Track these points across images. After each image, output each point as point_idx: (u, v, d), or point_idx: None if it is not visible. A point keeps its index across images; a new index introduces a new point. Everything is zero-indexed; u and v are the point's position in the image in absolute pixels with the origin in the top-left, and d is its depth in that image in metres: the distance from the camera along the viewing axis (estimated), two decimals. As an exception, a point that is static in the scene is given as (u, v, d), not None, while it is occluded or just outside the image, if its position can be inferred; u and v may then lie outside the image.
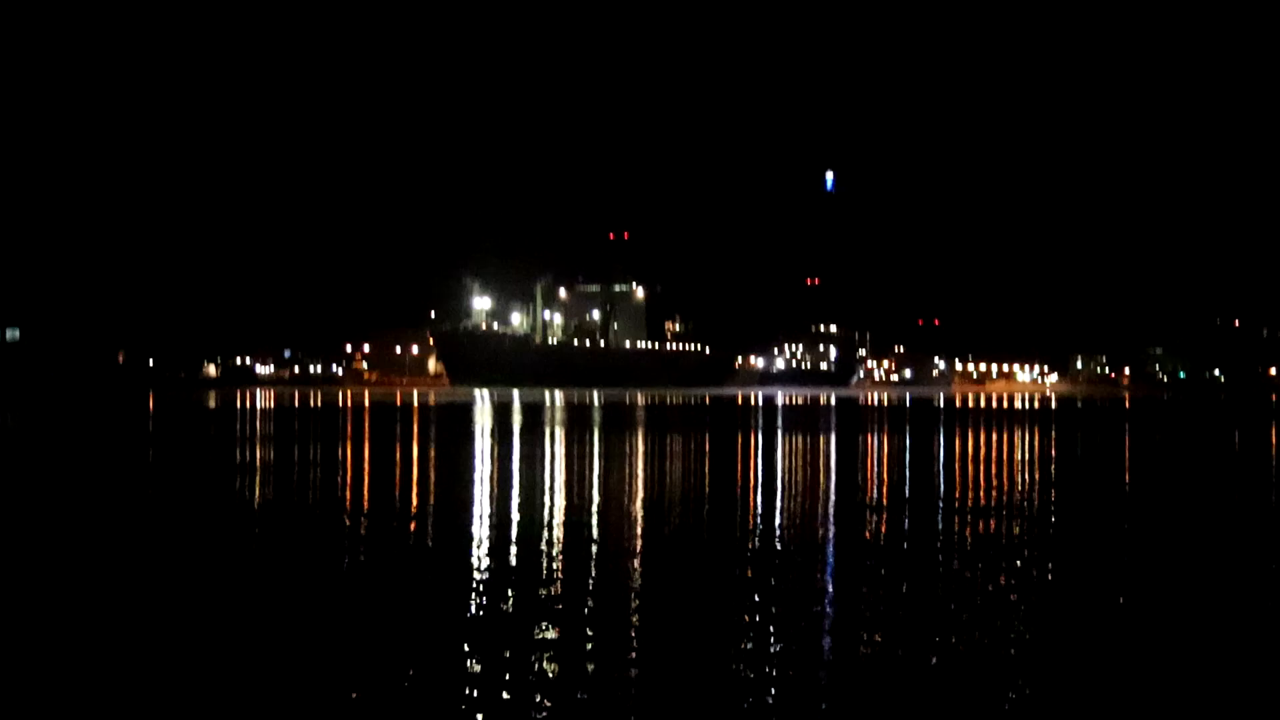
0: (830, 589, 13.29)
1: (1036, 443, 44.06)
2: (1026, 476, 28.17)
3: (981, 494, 23.42)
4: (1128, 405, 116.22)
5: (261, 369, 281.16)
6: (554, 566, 14.44)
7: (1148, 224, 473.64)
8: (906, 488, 24.85)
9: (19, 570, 14.71)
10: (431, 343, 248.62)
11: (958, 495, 23.55)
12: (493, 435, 44.04)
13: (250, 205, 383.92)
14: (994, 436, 47.04)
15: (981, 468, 30.67)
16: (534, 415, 68.89)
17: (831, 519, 19.33)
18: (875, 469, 30.48)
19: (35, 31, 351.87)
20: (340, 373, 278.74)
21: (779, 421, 61.79)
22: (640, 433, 46.74)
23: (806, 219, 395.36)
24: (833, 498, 22.85)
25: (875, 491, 24.09)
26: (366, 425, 54.04)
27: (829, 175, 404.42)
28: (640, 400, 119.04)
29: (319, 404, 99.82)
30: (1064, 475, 29.49)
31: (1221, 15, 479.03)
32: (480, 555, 15.39)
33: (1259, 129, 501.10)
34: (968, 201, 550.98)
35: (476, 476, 27.11)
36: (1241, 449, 40.86)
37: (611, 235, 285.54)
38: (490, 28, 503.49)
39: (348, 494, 23.37)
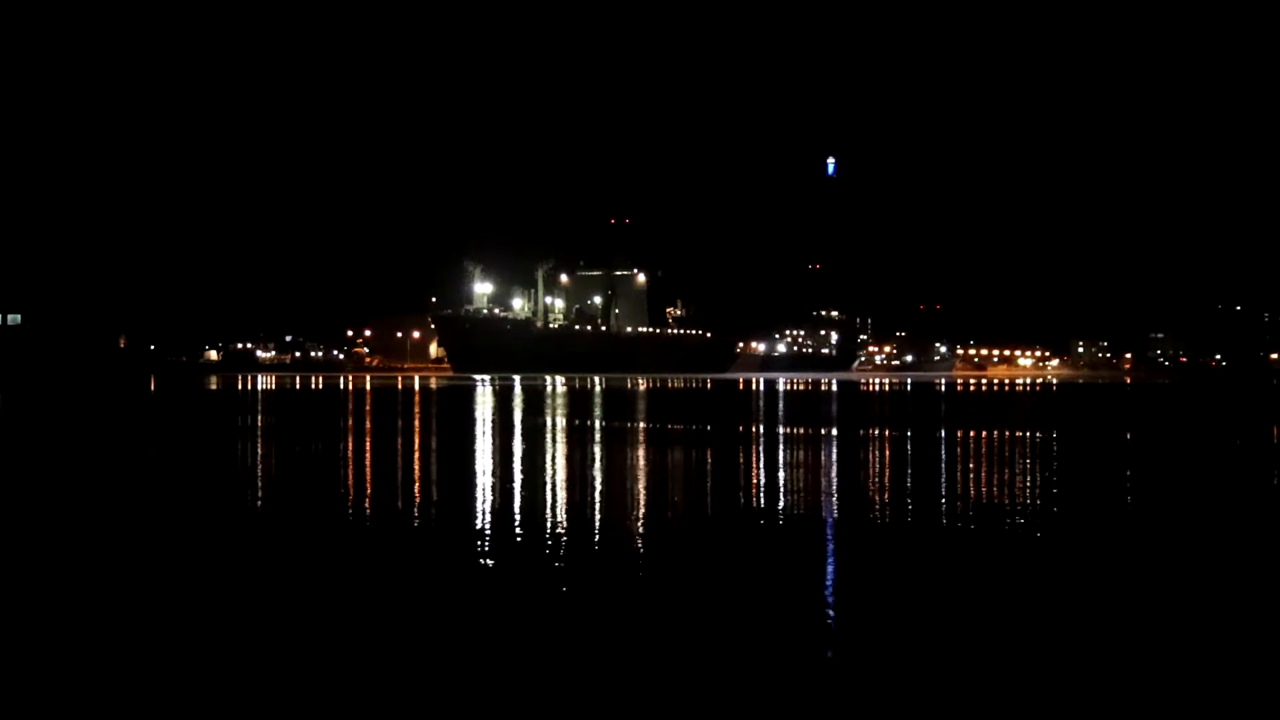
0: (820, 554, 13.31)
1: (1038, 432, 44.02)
2: (1028, 464, 28.06)
3: (982, 486, 23.33)
4: (1129, 389, 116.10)
5: (262, 354, 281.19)
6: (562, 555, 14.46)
7: (1149, 210, 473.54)
8: (906, 480, 24.76)
9: (14, 553, 14.69)
10: (433, 327, 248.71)
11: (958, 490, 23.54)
12: (493, 422, 43.97)
13: (251, 191, 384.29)
14: (995, 422, 46.96)
15: (984, 455, 30.59)
16: (535, 401, 68.82)
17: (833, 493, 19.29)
18: (877, 454, 30.44)
19: (40, 24, 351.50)
20: (341, 357, 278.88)
21: (780, 406, 61.73)
22: (642, 420, 46.74)
23: (808, 204, 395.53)
24: (834, 480, 22.80)
25: (875, 471, 24.03)
26: (367, 410, 53.95)
27: (830, 161, 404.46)
28: (641, 385, 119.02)
29: (319, 388, 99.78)
30: (1067, 465, 29.44)
31: (1222, 9, 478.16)
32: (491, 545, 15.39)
33: (1259, 116, 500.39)
34: (969, 187, 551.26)
35: (479, 466, 27.06)
36: (1244, 434, 40.77)
37: (613, 220, 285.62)
38: (491, 15, 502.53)
39: (348, 482, 23.32)
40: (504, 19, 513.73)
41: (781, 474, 24.35)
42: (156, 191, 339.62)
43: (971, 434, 37.57)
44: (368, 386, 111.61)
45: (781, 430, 38.99)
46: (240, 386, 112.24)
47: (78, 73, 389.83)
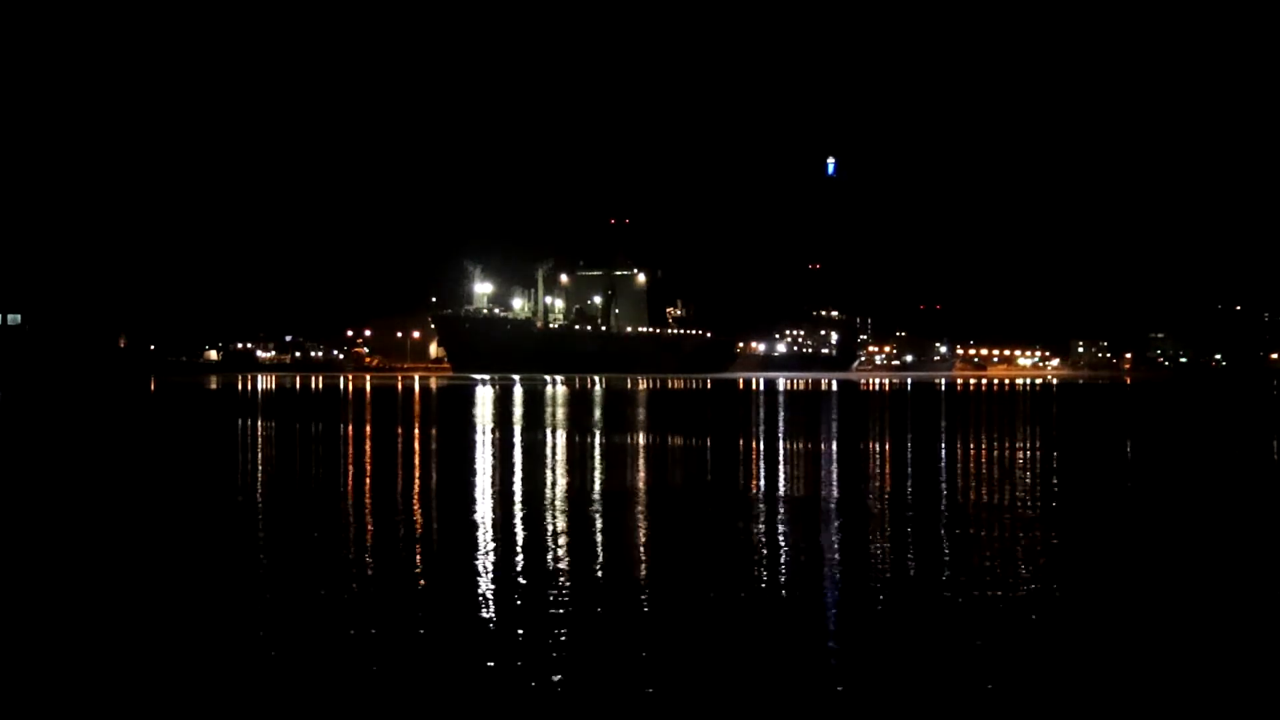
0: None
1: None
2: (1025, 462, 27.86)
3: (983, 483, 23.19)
4: (1129, 389, 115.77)
5: (262, 354, 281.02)
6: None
7: (1149, 210, 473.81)
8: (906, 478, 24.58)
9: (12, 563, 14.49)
10: (433, 327, 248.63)
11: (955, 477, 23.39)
12: (492, 434, 43.79)
13: (252, 191, 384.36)
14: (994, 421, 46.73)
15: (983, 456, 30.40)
16: (533, 406, 68.62)
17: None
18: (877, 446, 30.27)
19: (40, 26, 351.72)
20: (341, 357, 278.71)
21: (780, 413, 61.54)
22: (641, 432, 46.59)
23: (808, 204, 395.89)
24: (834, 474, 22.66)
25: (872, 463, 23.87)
26: (367, 413, 53.67)
27: (831, 161, 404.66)
28: (641, 386, 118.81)
29: (318, 389, 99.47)
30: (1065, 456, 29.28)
31: (1222, 11, 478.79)
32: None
33: (1259, 116, 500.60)
34: (970, 188, 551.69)
35: (475, 493, 26.84)
36: (1241, 433, 40.54)
37: (613, 220, 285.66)
38: (491, 15, 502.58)
39: (337, 504, 23.11)
40: (504, 19, 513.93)
41: (781, 508, 24.18)
42: (156, 191, 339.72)
43: (973, 447, 37.33)
44: (367, 388, 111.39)
45: (782, 445, 38.77)
46: (240, 387, 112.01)
47: (78, 72, 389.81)
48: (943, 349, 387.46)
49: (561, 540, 17.88)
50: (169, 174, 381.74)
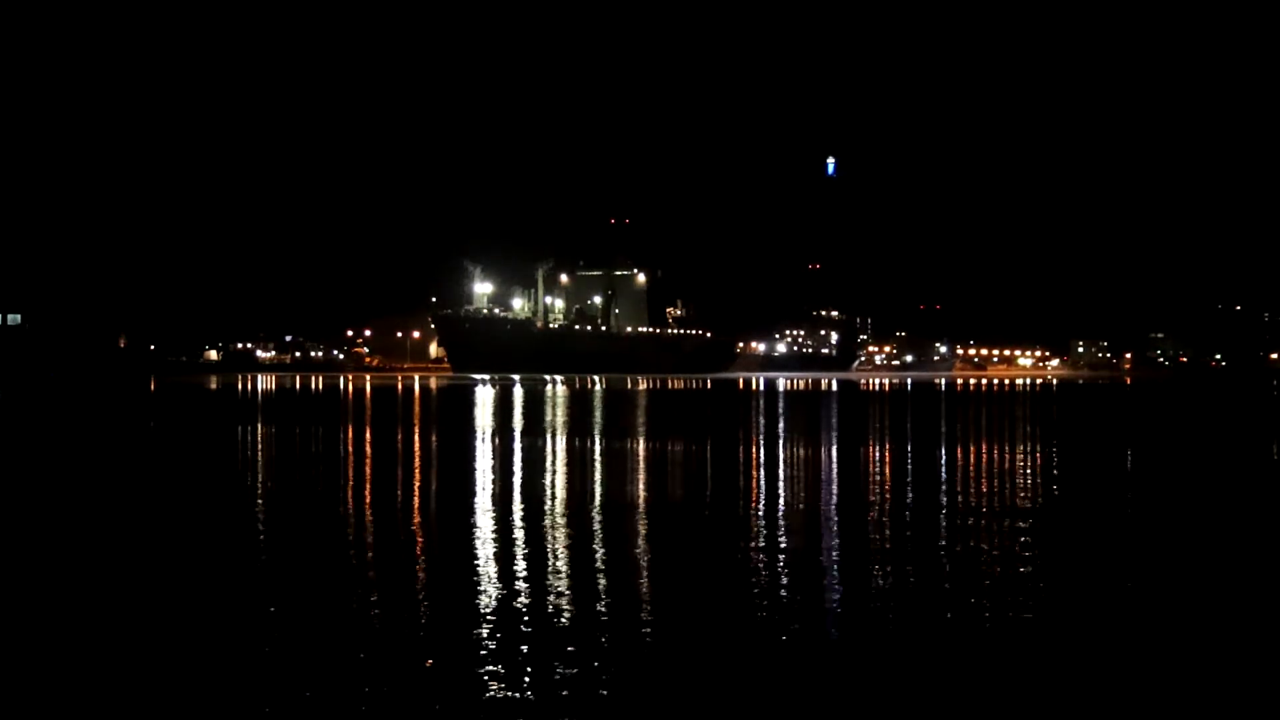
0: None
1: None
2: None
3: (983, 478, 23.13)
4: (1129, 389, 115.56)
5: (262, 354, 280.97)
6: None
7: (1149, 210, 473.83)
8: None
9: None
10: (433, 327, 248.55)
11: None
12: (492, 444, 43.75)
13: (252, 191, 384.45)
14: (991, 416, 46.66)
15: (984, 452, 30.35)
16: (533, 410, 68.54)
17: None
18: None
19: (41, 26, 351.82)
20: (341, 357, 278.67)
21: (780, 406, 61.48)
22: (641, 437, 46.53)
23: (808, 204, 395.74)
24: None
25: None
26: (367, 414, 53.59)
27: (830, 160, 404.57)
28: (641, 386, 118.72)
29: (318, 390, 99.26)
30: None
31: (1222, 11, 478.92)
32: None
33: (1259, 116, 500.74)
34: (970, 187, 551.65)
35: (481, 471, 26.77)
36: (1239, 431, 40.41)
37: (613, 220, 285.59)
38: (491, 15, 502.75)
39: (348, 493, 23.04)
40: (504, 19, 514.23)
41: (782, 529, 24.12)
42: (156, 192, 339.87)
43: (973, 450, 37.28)
44: (367, 388, 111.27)
45: (782, 449, 38.73)
46: (240, 387, 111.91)
47: (78, 72, 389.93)
48: (943, 349, 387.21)
49: (560, 554, 17.82)
50: (168, 174, 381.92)
